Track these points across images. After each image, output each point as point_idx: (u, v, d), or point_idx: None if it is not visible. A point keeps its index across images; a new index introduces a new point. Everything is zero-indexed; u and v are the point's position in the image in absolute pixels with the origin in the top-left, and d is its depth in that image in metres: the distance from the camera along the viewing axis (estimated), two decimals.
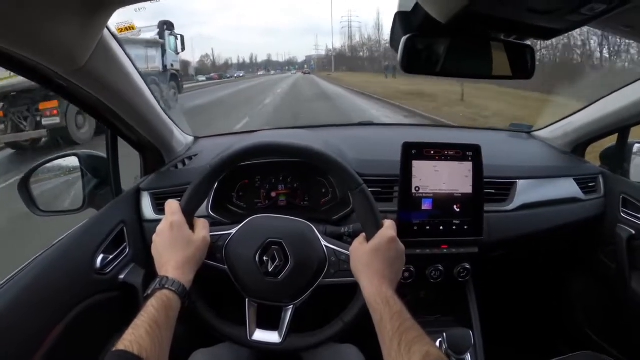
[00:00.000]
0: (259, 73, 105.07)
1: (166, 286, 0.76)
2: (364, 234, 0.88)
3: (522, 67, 0.85)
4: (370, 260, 0.82)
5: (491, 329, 1.22)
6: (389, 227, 0.86)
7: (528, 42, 0.84)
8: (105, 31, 0.84)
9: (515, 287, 1.69)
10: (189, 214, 0.87)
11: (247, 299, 0.93)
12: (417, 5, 0.76)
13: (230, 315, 0.94)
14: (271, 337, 0.92)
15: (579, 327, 1.61)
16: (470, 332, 1.16)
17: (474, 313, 1.21)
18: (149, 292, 0.76)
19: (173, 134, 1.36)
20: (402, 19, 0.82)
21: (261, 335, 0.92)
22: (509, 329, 1.57)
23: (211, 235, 0.90)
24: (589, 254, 1.52)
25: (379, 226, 0.86)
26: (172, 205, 0.87)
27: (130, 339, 0.64)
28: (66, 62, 0.79)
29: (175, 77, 13.40)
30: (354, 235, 0.95)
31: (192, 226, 0.87)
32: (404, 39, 0.79)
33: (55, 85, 0.89)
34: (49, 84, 0.88)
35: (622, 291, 1.37)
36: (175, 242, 0.83)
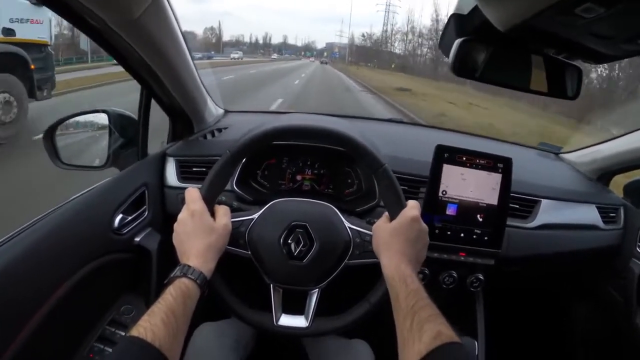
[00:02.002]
0: (232, 56, 62.54)
1: (187, 275, 0.75)
2: (387, 213, 0.89)
3: (562, 86, 0.85)
4: (392, 239, 0.83)
5: (495, 342, 1.22)
6: (412, 207, 0.86)
7: (575, 63, 0.84)
8: None
9: (522, 305, 1.68)
10: (210, 201, 0.86)
11: (271, 284, 0.93)
12: (475, 9, 0.75)
13: (254, 302, 0.93)
14: (298, 321, 0.92)
15: (577, 355, 1.61)
16: (475, 342, 1.17)
17: (480, 324, 1.21)
18: (169, 278, 0.76)
19: (206, 104, 1.35)
20: (457, 22, 0.81)
21: (287, 320, 0.92)
22: (512, 344, 1.57)
23: (233, 221, 0.89)
24: (599, 284, 1.51)
25: (402, 206, 0.86)
26: (193, 194, 0.86)
27: (145, 325, 0.64)
28: (120, 11, 0.79)
29: (28, 63, 5.46)
30: None
31: (213, 213, 0.87)
32: (458, 41, 0.79)
33: (100, 37, 0.88)
34: (94, 34, 0.87)
35: (625, 326, 1.37)
36: (197, 231, 0.82)
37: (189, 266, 0.77)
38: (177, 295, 0.71)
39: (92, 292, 0.96)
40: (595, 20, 0.55)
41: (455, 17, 0.81)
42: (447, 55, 0.81)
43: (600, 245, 1.38)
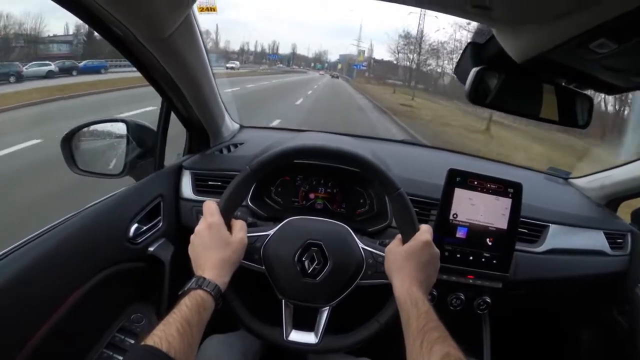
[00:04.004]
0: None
1: (202, 287, 0.76)
2: (399, 236, 0.90)
3: (573, 115, 0.86)
4: (404, 262, 0.85)
5: None
6: (425, 231, 0.88)
7: (586, 92, 0.86)
8: (190, 10, 0.87)
9: (528, 328, 1.68)
10: (227, 215, 0.88)
11: (283, 300, 0.94)
12: (492, 39, 0.77)
13: (266, 316, 0.94)
14: (307, 338, 0.93)
15: None
16: None
17: (486, 346, 1.22)
18: (185, 290, 0.77)
19: (224, 119, 1.38)
20: (474, 50, 0.84)
21: (297, 336, 0.93)
22: None
23: (248, 236, 0.89)
24: (604, 310, 1.51)
25: (415, 229, 0.88)
26: (211, 206, 0.87)
27: (160, 335, 0.64)
28: (152, 29, 0.82)
29: None
30: None
31: (229, 227, 0.88)
32: (474, 70, 0.81)
33: (127, 50, 0.91)
34: (122, 47, 0.90)
35: (631, 352, 1.36)
36: (213, 243, 0.83)
37: (204, 278, 0.78)
38: (192, 306, 0.72)
39: (104, 299, 0.98)
40: (608, 54, 0.58)
41: (472, 46, 0.84)
42: (463, 82, 0.83)
43: (607, 271, 1.38)
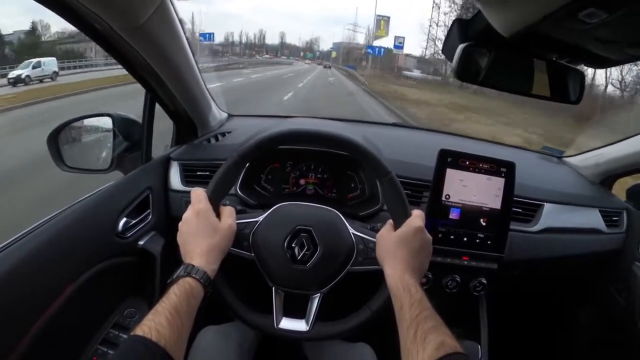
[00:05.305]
0: None
1: (191, 274, 0.75)
2: (391, 222, 0.89)
3: (565, 91, 0.85)
4: (396, 248, 0.83)
5: (498, 346, 1.22)
6: (417, 217, 0.86)
7: (578, 67, 0.84)
8: None
9: (525, 309, 1.68)
10: (215, 201, 0.87)
11: (273, 287, 0.93)
12: (478, 14, 0.76)
13: (256, 304, 0.93)
14: (298, 325, 0.92)
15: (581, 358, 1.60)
16: (478, 346, 1.17)
17: (484, 328, 1.22)
18: (173, 278, 0.76)
19: (211, 109, 1.36)
20: (460, 27, 0.82)
21: (288, 324, 0.92)
22: (515, 348, 1.57)
23: (238, 223, 0.89)
24: (601, 288, 1.51)
25: (407, 215, 0.87)
26: (198, 193, 0.86)
27: (150, 324, 0.64)
28: (125, 18, 0.80)
29: None
30: None
31: (218, 214, 0.86)
32: (461, 46, 0.79)
33: (106, 42, 0.89)
34: (100, 39, 0.88)
35: (628, 329, 1.37)
36: (201, 230, 0.82)
37: (193, 265, 0.77)
38: (181, 294, 0.71)
39: (96, 295, 0.97)
40: (598, 25, 0.56)
41: (459, 22, 0.82)
42: (450, 60, 0.82)
43: (603, 249, 1.38)
